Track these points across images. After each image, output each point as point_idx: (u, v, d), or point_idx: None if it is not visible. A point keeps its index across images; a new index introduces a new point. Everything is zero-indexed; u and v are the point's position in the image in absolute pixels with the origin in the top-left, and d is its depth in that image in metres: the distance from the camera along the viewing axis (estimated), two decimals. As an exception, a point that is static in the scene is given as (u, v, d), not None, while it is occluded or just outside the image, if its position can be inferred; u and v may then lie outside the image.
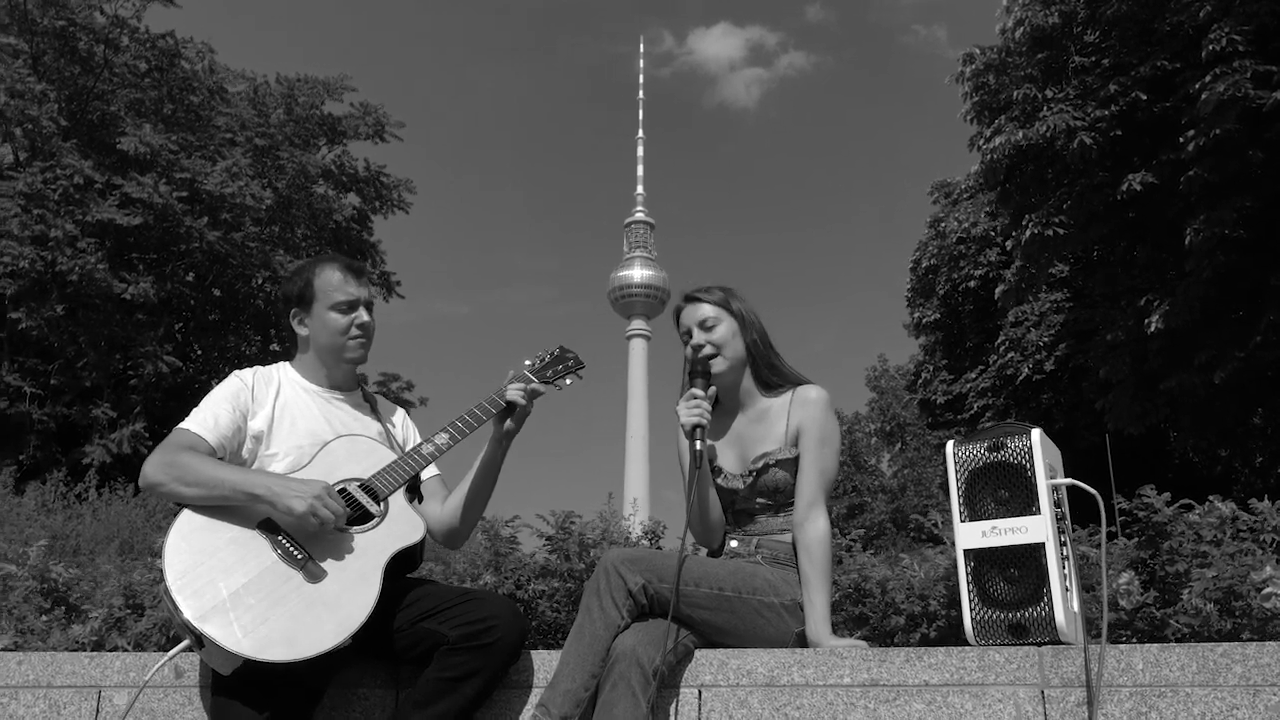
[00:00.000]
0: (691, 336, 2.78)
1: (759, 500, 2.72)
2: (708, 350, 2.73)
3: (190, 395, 23.49)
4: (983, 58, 15.09)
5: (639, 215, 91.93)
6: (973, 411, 21.86)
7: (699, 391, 2.65)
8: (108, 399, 19.75)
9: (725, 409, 2.83)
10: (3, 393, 19.13)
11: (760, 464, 2.69)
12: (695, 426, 2.58)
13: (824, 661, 2.39)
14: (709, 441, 2.77)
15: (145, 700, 2.60)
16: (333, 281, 2.78)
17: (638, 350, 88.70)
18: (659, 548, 4.32)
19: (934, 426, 24.87)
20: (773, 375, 2.79)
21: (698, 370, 2.70)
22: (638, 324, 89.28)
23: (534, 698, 2.52)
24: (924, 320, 23.99)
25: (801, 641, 2.55)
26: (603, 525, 4.39)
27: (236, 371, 2.80)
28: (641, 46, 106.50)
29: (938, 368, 24.15)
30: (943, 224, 23.11)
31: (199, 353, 24.33)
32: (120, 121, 21.10)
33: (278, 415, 2.72)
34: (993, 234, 21.54)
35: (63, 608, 3.58)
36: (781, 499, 2.70)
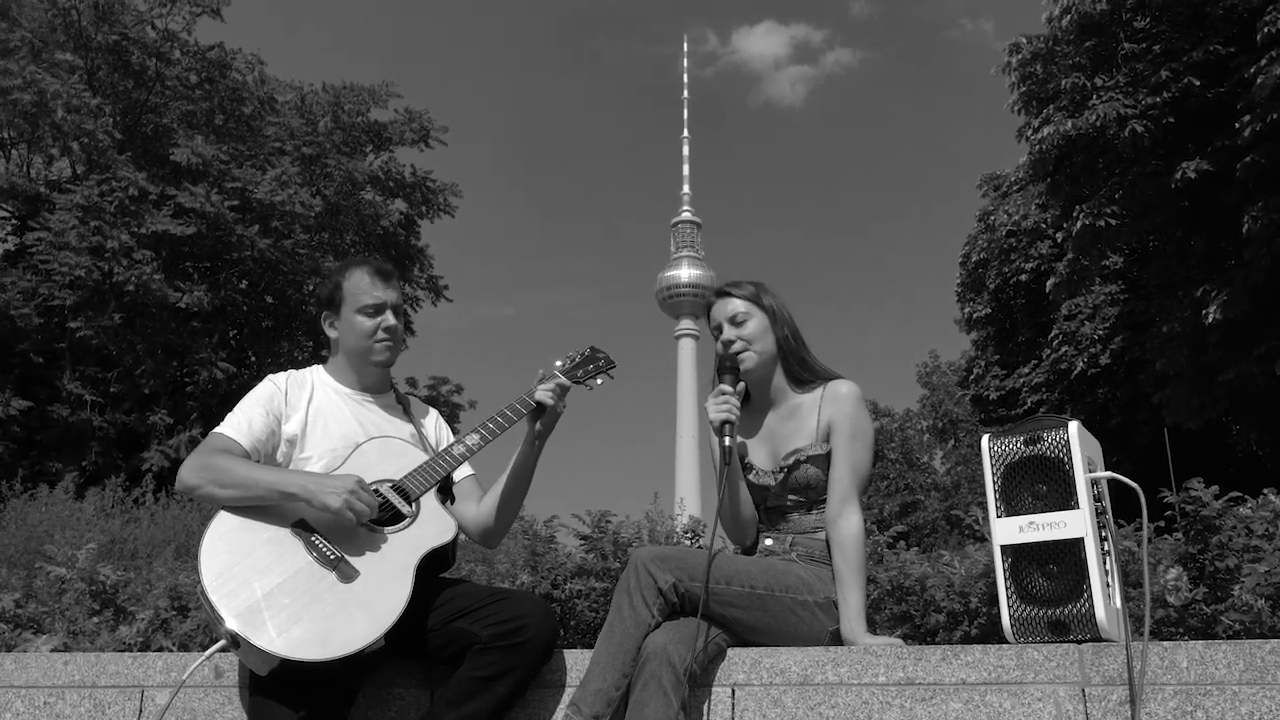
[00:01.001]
0: (722, 332, 2.75)
1: (791, 497, 2.69)
2: (738, 345, 2.71)
3: (244, 401, 23.88)
4: (1029, 47, 14.86)
5: (685, 215, 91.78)
6: (1026, 407, 21.51)
7: (727, 387, 2.62)
8: (165, 406, 20.16)
9: (756, 406, 2.80)
10: (65, 401, 19.61)
11: (791, 460, 2.66)
12: (724, 422, 2.56)
13: (859, 660, 2.36)
14: (740, 438, 2.75)
15: (186, 700, 2.63)
16: (360, 285, 2.80)
17: (686, 350, 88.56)
18: (700, 546, 4.30)
19: (987, 423, 24.51)
20: (804, 371, 2.76)
21: (726, 366, 2.68)
22: (686, 324, 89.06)
23: (567, 697, 2.51)
24: (975, 315, 23.67)
25: (836, 640, 2.52)
26: (649, 525, 4.39)
27: (270, 375, 2.83)
28: (685, 46, 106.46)
29: (990, 363, 23.82)
30: (992, 217, 22.79)
31: (253, 359, 24.73)
32: (173, 133, 21.53)
33: (311, 418, 2.74)
34: (1044, 226, 21.20)
35: (111, 609, 3.66)
36: (813, 495, 2.66)
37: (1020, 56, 14.85)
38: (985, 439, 2.54)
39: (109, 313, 19.33)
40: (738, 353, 2.70)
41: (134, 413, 20.17)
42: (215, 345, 21.26)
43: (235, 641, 2.29)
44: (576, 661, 2.55)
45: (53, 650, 3.30)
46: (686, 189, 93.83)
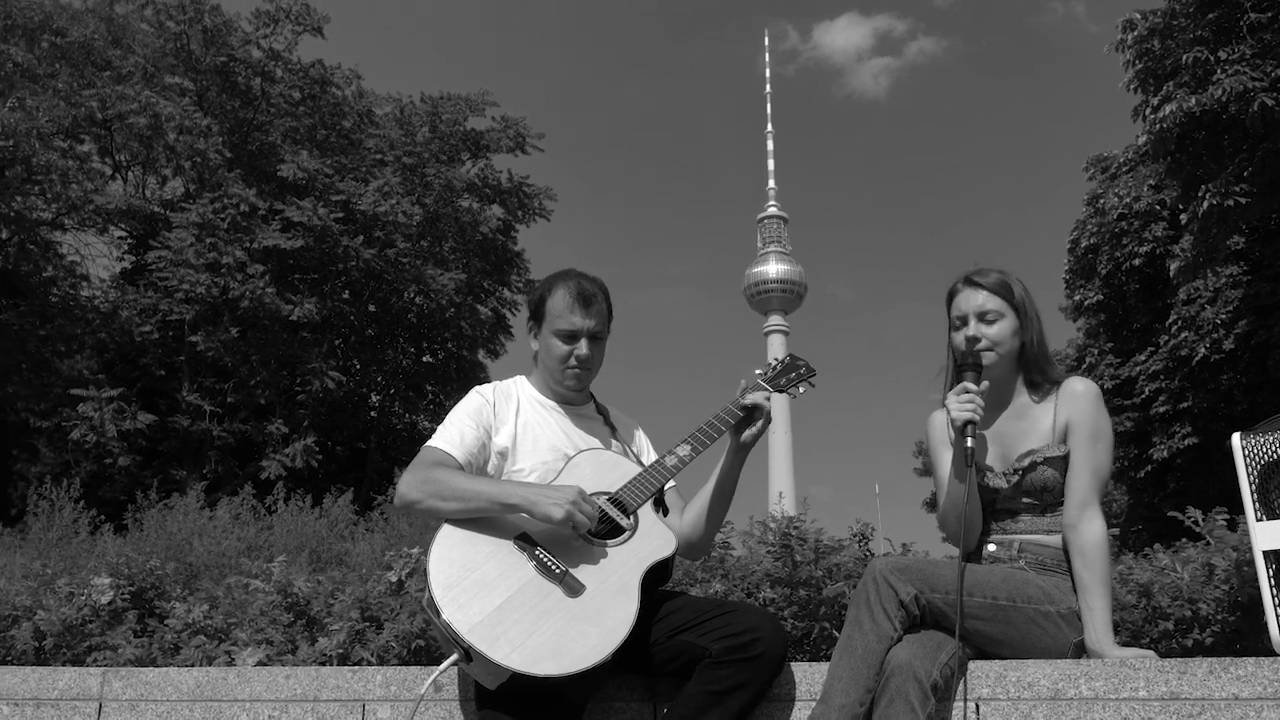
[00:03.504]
0: (965, 324, 2.63)
1: (1024, 500, 2.58)
2: (983, 344, 2.59)
3: (351, 409, 24.47)
4: (1145, 23, 14.31)
5: (771, 210, 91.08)
6: (1144, 396, 20.76)
7: (972, 385, 2.51)
8: (279, 415, 20.72)
9: (986, 403, 2.67)
10: (186, 411, 20.31)
11: (1026, 462, 2.55)
12: (967, 423, 2.45)
13: (1115, 673, 2.24)
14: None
15: (405, 714, 2.64)
16: (559, 306, 2.73)
17: (776, 346, 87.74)
18: (869, 552, 4.18)
19: (1102, 413, 23.66)
20: (1040, 376, 2.64)
21: (969, 363, 2.57)
22: (775, 319, 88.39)
23: (797, 711, 2.45)
24: (1085, 302, 22.90)
25: (1080, 652, 2.40)
26: (795, 525, 4.27)
27: (476, 388, 2.81)
28: (766, 41, 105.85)
29: (1103, 351, 23.02)
30: (1101, 200, 22.00)
31: (358, 367, 25.27)
32: (278, 150, 22.15)
33: (520, 431, 2.72)
34: (1158, 208, 20.40)
35: (303, 620, 3.71)
36: (1049, 499, 2.55)
37: (1136, 33, 14.31)
38: (1237, 438, 2.40)
39: (225, 326, 19.96)
40: (982, 350, 2.59)
41: (250, 422, 20.79)
42: (324, 354, 21.76)
43: (468, 655, 2.28)
44: (805, 675, 2.48)
45: (258, 664, 3.35)
46: (772, 184, 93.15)
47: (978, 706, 2.33)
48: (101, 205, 21.16)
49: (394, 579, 3.62)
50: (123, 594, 3.96)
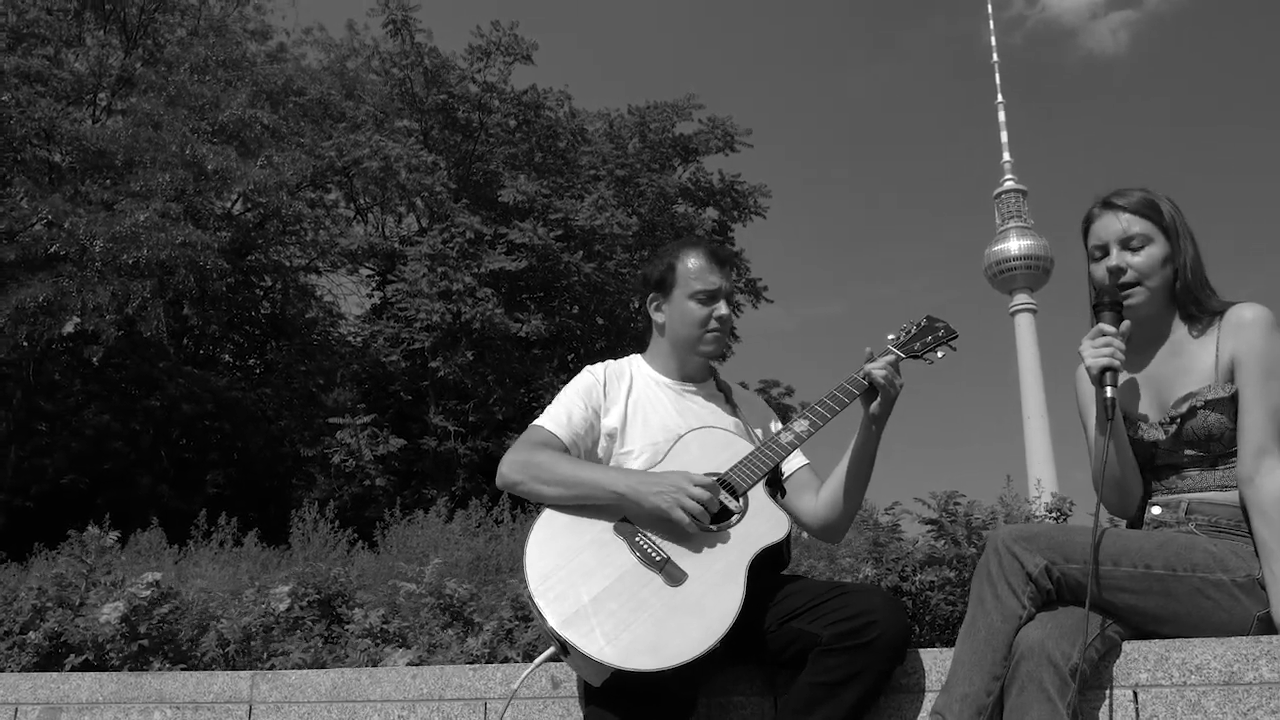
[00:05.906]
0: (1107, 254, 2.27)
1: (1187, 453, 2.19)
2: (1129, 277, 2.23)
3: (587, 420, 25.12)
4: None
5: (1009, 184, 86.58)
6: None
7: (1109, 327, 2.15)
8: (518, 431, 21.58)
9: (1135, 343, 2.28)
10: (433, 433, 21.55)
11: (1185, 407, 2.16)
12: (1105, 369, 2.10)
13: (1305, 653, 1.85)
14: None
15: (526, 712, 2.57)
16: (694, 268, 2.65)
17: (1024, 326, 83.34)
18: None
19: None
20: (1197, 308, 2.24)
21: (1105, 301, 2.21)
22: (1021, 298, 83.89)
23: (929, 703, 2.19)
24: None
25: (1267, 627, 2.00)
26: (1004, 509, 3.98)
27: (588, 367, 2.74)
28: (989, 10, 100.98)
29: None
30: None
31: (590, 379, 25.94)
32: (499, 176, 23.12)
33: (631, 411, 2.62)
34: None
35: (460, 621, 3.75)
36: (1218, 449, 2.15)
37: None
38: None
39: (461, 350, 21.01)
40: (1128, 285, 2.23)
41: (491, 439, 21.76)
42: (555, 369, 22.48)
43: (565, 649, 2.18)
44: (936, 662, 2.22)
45: (408, 664, 3.41)
46: (1007, 156, 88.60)
47: (1135, 694, 1.99)
48: (346, 247, 22.84)
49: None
50: (304, 602, 4.16)
